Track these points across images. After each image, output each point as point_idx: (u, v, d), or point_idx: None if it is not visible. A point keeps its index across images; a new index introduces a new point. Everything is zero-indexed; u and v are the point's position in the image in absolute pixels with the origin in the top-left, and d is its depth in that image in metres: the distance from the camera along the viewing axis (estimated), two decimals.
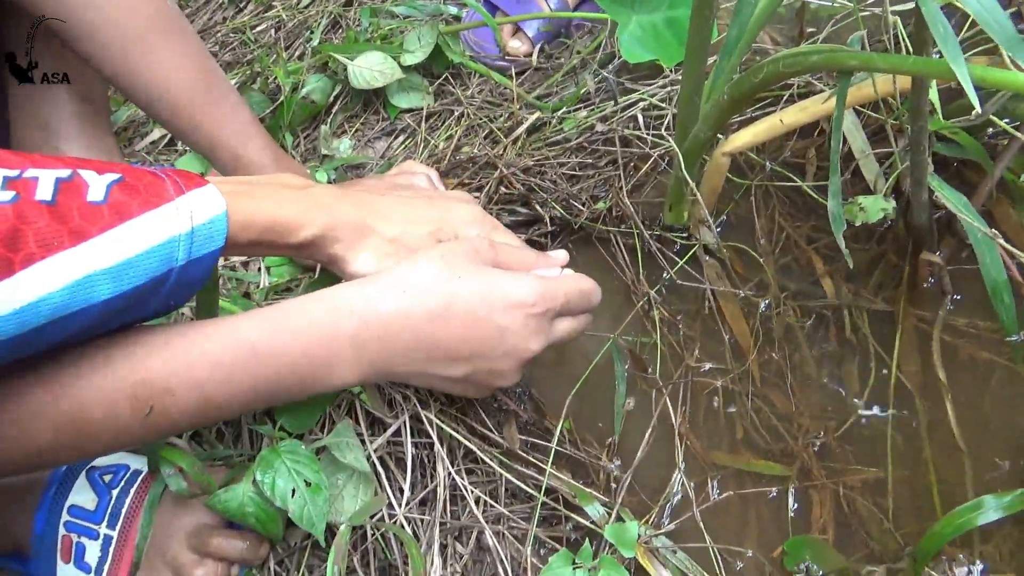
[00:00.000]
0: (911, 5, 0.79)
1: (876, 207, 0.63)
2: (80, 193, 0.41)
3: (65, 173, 0.41)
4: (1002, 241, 0.52)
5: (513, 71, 1.02)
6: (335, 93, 1.04)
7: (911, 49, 0.65)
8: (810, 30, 0.86)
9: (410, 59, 1.01)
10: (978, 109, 0.39)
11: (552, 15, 1.01)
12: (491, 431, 0.70)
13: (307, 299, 0.51)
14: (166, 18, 0.69)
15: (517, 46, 1.01)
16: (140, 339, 0.47)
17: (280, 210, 0.52)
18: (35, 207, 0.39)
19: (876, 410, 0.68)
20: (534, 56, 1.02)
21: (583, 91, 0.96)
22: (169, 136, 1.04)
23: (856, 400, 0.70)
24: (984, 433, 0.65)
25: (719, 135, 0.77)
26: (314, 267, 0.80)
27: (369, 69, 0.99)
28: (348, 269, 0.56)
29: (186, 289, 0.47)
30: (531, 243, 0.85)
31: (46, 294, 0.39)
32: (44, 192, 0.40)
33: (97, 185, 0.42)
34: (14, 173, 0.39)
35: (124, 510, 0.65)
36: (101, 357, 0.46)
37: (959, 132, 0.65)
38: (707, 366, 0.74)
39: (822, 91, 0.79)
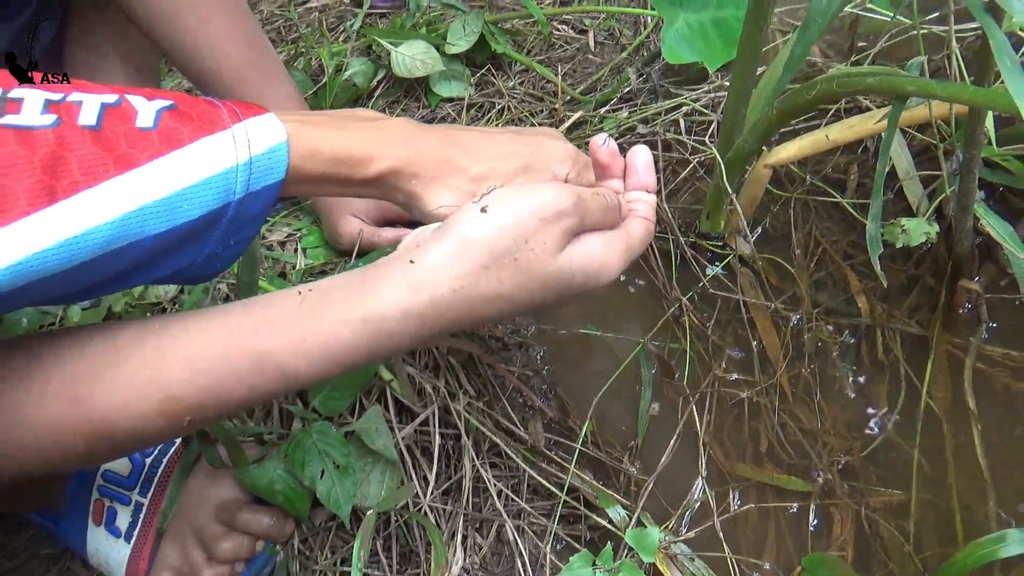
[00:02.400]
0: (972, 24, 0.78)
1: (919, 230, 0.63)
2: (128, 119, 0.38)
3: (112, 98, 0.39)
4: None
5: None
6: (377, 77, 1.04)
7: (964, 71, 0.64)
8: (861, 44, 0.85)
9: (454, 48, 1.01)
10: None
11: None
12: (516, 426, 0.71)
13: (344, 325, 0.43)
14: None
15: None
16: (152, 347, 0.42)
17: (351, 141, 0.47)
18: (78, 132, 0.36)
19: (903, 433, 0.68)
20: None
21: (625, 87, 0.96)
22: None
23: (884, 421, 0.70)
24: (1012, 464, 0.65)
25: (763, 147, 0.77)
26: (351, 252, 0.81)
27: (412, 57, 0.99)
28: (427, 209, 0.49)
29: (245, 227, 0.43)
30: None
31: (93, 227, 0.36)
32: (88, 117, 0.37)
33: (146, 111, 0.39)
34: (56, 97, 0.37)
35: (156, 478, 0.66)
36: (115, 371, 0.41)
37: (1011, 160, 0.65)
38: (735, 376, 0.74)
39: (868, 108, 0.78)
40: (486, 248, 0.43)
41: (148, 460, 0.67)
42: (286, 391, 0.44)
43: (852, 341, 0.74)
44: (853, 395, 0.71)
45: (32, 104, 0.36)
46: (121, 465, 0.67)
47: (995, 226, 0.59)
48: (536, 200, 0.44)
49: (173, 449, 0.67)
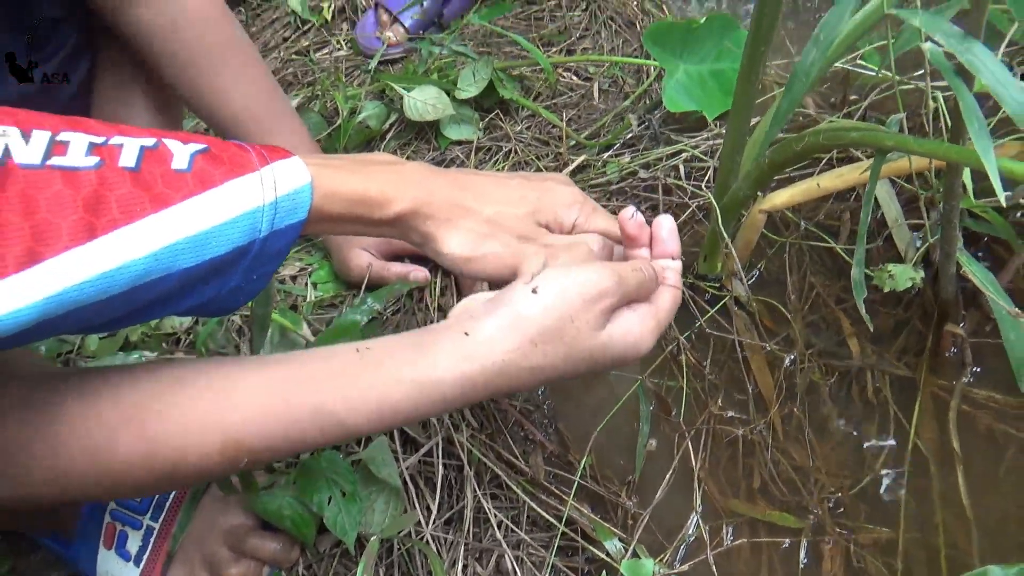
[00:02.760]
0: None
1: (904, 275, 0.66)
2: (164, 161, 0.41)
3: (150, 141, 0.41)
4: None
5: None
6: (390, 120, 1.08)
7: (948, 123, 0.68)
8: (853, 97, 0.89)
9: (463, 94, 1.05)
10: (1002, 199, 0.42)
11: None
12: (517, 459, 0.73)
13: (398, 383, 0.46)
14: (235, 45, 0.75)
15: (391, 35, 1.17)
16: (219, 387, 0.45)
17: (369, 183, 0.50)
18: (119, 173, 0.39)
19: (892, 472, 0.70)
20: (402, 44, 1.18)
21: (627, 133, 1.00)
22: None
23: (873, 460, 0.72)
24: (996, 503, 0.67)
25: (758, 193, 0.80)
26: (359, 285, 0.84)
27: (423, 102, 1.03)
28: (443, 249, 0.52)
29: (267, 263, 0.46)
30: None
31: (129, 261, 0.39)
32: (128, 159, 0.40)
33: (181, 154, 0.42)
34: (100, 140, 0.40)
35: (168, 504, 0.69)
36: (182, 408, 0.44)
37: (989, 211, 0.68)
38: (730, 414, 0.77)
39: (859, 158, 0.82)
40: (535, 326, 0.47)
41: None
42: (337, 441, 0.48)
43: (843, 382, 0.77)
44: (844, 434, 0.74)
45: (77, 146, 0.39)
46: None
47: (977, 273, 0.62)
48: (581, 280, 0.48)
49: None
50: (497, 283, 0.52)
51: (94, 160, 0.39)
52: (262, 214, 0.43)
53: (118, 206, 0.39)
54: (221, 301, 0.46)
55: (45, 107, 0.42)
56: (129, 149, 0.40)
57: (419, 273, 0.84)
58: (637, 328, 0.50)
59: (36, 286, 0.36)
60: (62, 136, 0.39)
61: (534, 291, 0.48)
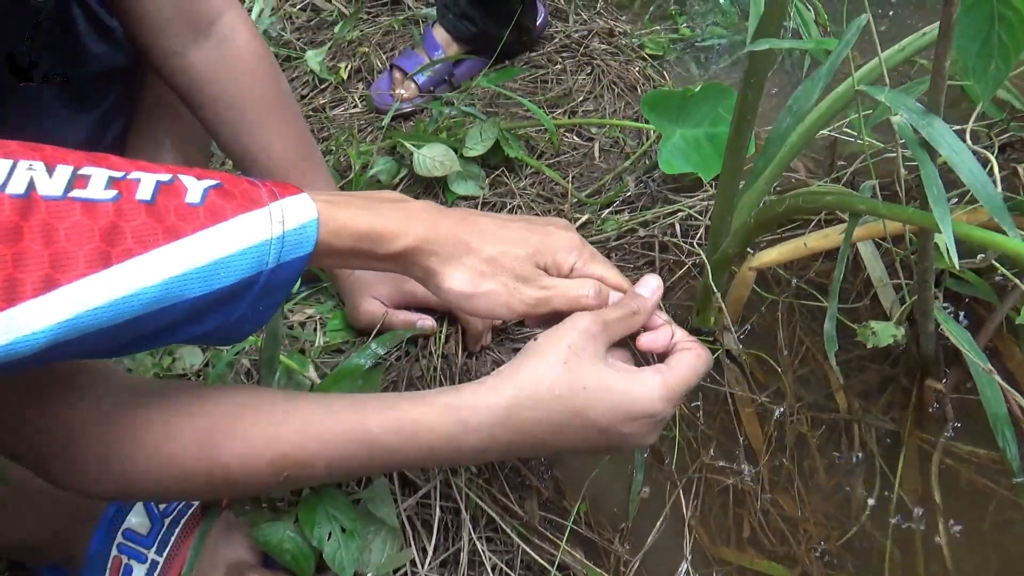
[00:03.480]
0: None
1: (887, 332, 0.69)
2: (179, 195, 0.43)
3: (166, 177, 0.44)
4: (999, 378, 0.57)
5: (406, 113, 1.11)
6: (400, 175, 1.13)
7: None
8: (841, 163, 0.93)
9: (471, 152, 1.11)
10: (955, 264, 0.45)
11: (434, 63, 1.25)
12: (512, 503, 0.75)
13: (431, 406, 0.52)
14: (276, 97, 0.80)
15: (403, 92, 1.24)
16: (275, 412, 0.52)
17: (375, 219, 0.52)
18: (135, 206, 0.41)
19: (877, 523, 0.72)
20: (414, 100, 1.25)
21: (626, 192, 1.05)
22: None
23: (859, 511, 0.73)
24: (978, 555, 0.68)
25: (748, 250, 0.84)
26: (369, 331, 0.87)
27: (432, 159, 1.08)
28: (444, 284, 0.54)
29: (273, 293, 0.47)
30: None
31: (140, 288, 0.40)
32: (144, 192, 0.42)
33: (195, 189, 0.44)
34: (119, 175, 0.42)
35: (173, 539, 0.71)
36: (248, 427, 0.51)
37: (968, 272, 0.71)
38: (721, 464, 0.79)
39: (846, 221, 0.86)
40: (529, 378, 0.52)
41: (167, 520, 0.72)
42: (379, 466, 0.53)
43: (831, 434, 0.79)
44: (831, 485, 0.76)
45: (98, 180, 0.42)
46: (141, 523, 0.71)
47: (954, 332, 0.65)
48: (569, 334, 0.53)
49: (191, 512, 0.72)
50: (493, 319, 0.58)
51: (112, 193, 0.41)
52: (269, 247, 0.45)
53: (132, 236, 0.41)
54: (228, 330, 0.48)
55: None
56: (146, 183, 0.43)
57: (426, 322, 0.87)
58: (639, 385, 0.52)
59: (52, 311, 0.38)
60: (84, 170, 0.42)
61: (535, 339, 0.54)
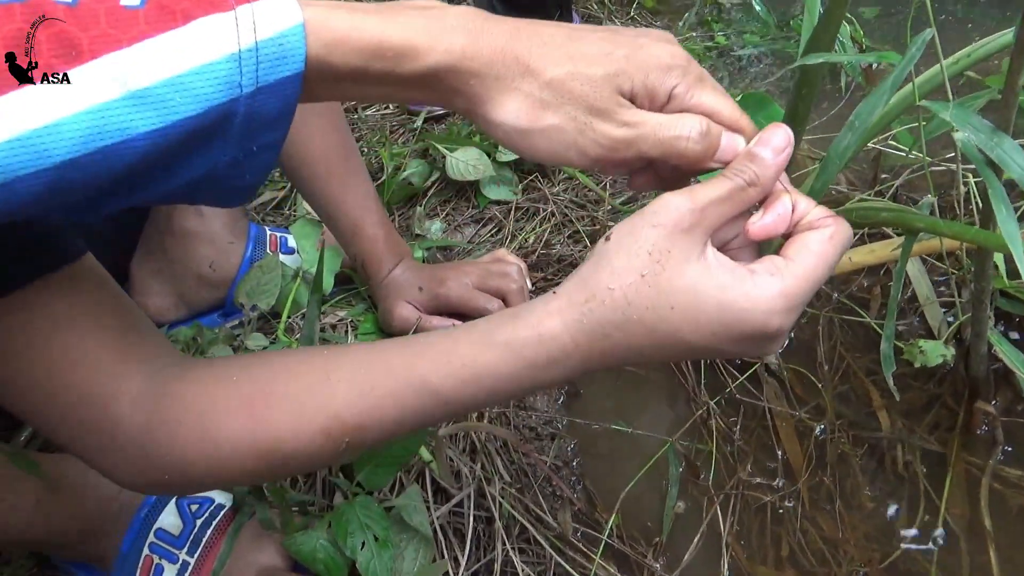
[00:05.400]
0: None
1: (936, 352, 0.67)
2: None
3: None
4: None
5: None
6: (432, 179, 1.13)
7: (980, 208, 0.70)
8: (884, 176, 0.92)
9: (504, 156, 1.10)
10: None
11: None
12: (546, 514, 0.74)
13: (490, 347, 0.43)
14: (350, 152, 0.80)
15: None
16: (320, 369, 0.45)
17: (390, 27, 0.39)
18: (52, 8, 0.32)
19: (921, 547, 0.70)
20: None
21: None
22: (278, 200, 1.15)
23: (902, 534, 0.72)
24: None
25: None
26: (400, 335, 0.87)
27: (465, 162, 1.08)
28: (490, 116, 0.41)
29: (264, 131, 0.37)
30: None
31: (60, 119, 0.32)
32: None
33: None
34: None
35: (204, 540, 0.70)
36: (286, 389, 0.45)
37: (1022, 292, 0.69)
38: (758, 480, 0.77)
39: (890, 235, 0.84)
40: (608, 269, 0.41)
41: (199, 521, 0.71)
42: (436, 417, 0.45)
43: (873, 454, 0.77)
44: (873, 507, 0.74)
45: None
46: (173, 524, 0.71)
47: (1008, 353, 0.63)
48: (648, 234, 0.40)
49: (223, 513, 0.72)
50: (553, 166, 0.48)
51: None
52: (239, 63, 0.35)
53: (49, 49, 0.32)
54: (222, 179, 0.39)
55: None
56: None
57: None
58: (747, 296, 0.39)
59: None
60: None
61: (607, 239, 0.42)
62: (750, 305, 0.38)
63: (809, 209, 0.42)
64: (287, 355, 0.47)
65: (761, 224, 0.41)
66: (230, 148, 0.37)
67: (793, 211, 0.41)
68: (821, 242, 0.40)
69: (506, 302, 0.88)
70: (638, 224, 0.40)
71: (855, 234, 0.89)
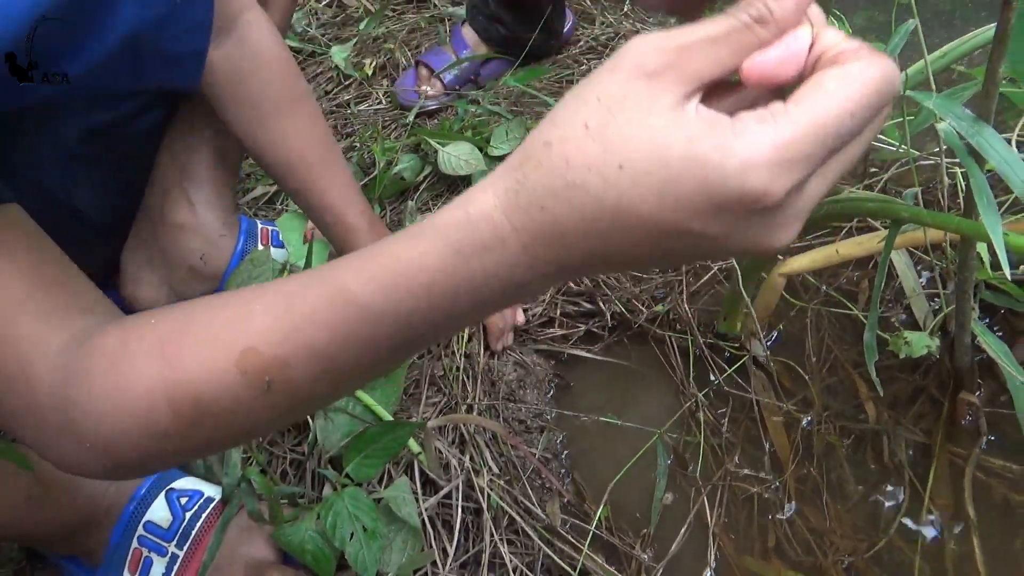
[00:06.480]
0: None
1: (921, 343, 0.68)
2: None
3: None
4: None
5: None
6: (424, 173, 1.13)
7: (963, 196, 0.70)
8: (873, 170, 0.92)
9: (496, 151, 1.10)
10: (1007, 273, 0.44)
11: (460, 61, 1.23)
12: (534, 505, 0.74)
13: (418, 233, 0.34)
14: (296, 93, 0.80)
15: (427, 88, 1.23)
16: (238, 302, 0.38)
17: None
18: None
19: (906, 536, 0.71)
20: (439, 97, 1.23)
21: None
22: (269, 195, 1.14)
23: (888, 524, 0.72)
24: (1011, 572, 0.67)
25: (778, 256, 0.83)
26: None
27: (457, 157, 1.08)
28: None
29: None
30: (590, 335, 0.91)
31: None
32: None
33: None
34: None
35: (194, 533, 0.70)
36: (202, 325, 0.38)
37: (1006, 283, 0.70)
38: (745, 472, 0.78)
39: (877, 228, 0.84)
40: (551, 124, 0.31)
41: (188, 514, 0.71)
42: (383, 341, 0.35)
43: (859, 445, 0.78)
44: (859, 497, 0.74)
45: None
46: (162, 517, 0.71)
47: (991, 344, 0.64)
48: (602, 79, 0.30)
49: (212, 506, 0.72)
50: None
51: None
52: None
53: None
54: (156, 40, 0.37)
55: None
56: None
57: None
58: (724, 148, 0.27)
59: None
60: None
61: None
62: (720, 157, 0.27)
63: (838, 43, 0.30)
64: (215, 295, 0.40)
65: (759, 61, 0.29)
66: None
67: (812, 46, 0.30)
68: (842, 79, 0.28)
69: None
70: (596, 72, 0.31)
71: (842, 227, 0.89)
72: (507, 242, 0.31)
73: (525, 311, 0.91)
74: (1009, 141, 0.49)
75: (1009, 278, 0.46)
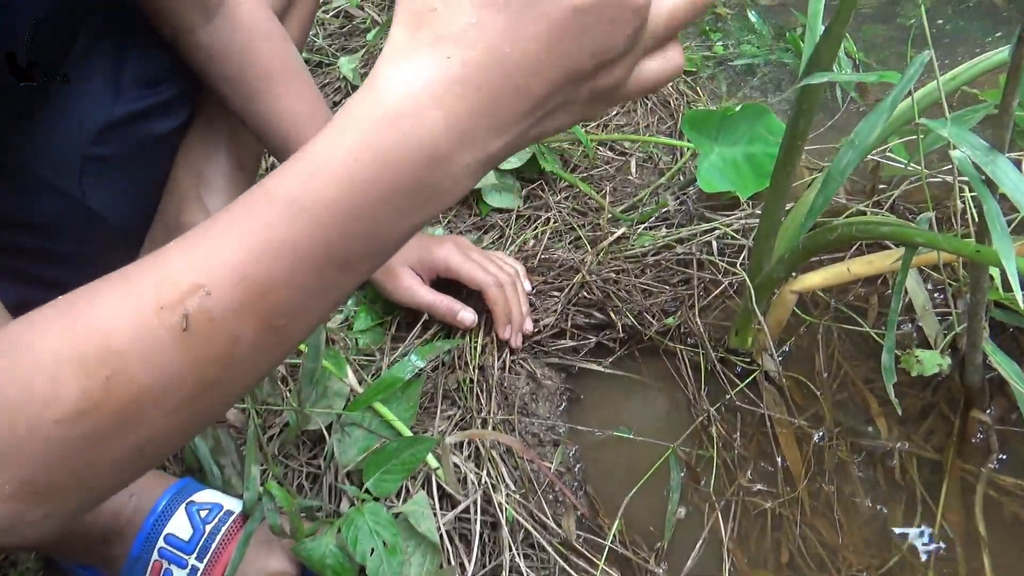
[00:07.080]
0: None
1: (932, 361, 0.69)
2: None
3: None
4: None
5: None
6: None
7: (974, 217, 0.71)
8: (881, 187, 0.93)
9: (506, 164, 1.11)
10: (1020, 299, 0.45)
11: None
12: (549, 519, 0.75)
13: (335, 118, 0.33)
14: (290, 65, 0.81)
15: None
16: (154, 254, 0.34)
17: None
18: None
19: (918, 553, 0.72)
20: None
21: (663, 210, 1.05)
22: None
23: (900, 540, 0.73)
24: None
25: (791, 274, 0.84)
26: (399, 306, 0.88)
27: None
28: None
29: None
30: (600, 347, 0.92)
31: None
32: None
33: None
34: None
35: (214, 545, 0.71)
36: (114, 279, 0.34)
37: (1017, 304, 0.71)
38: (758, 487, 0.79)
39: (888, 246, 0.85)
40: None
41: (208, 527, 0.72)
42: (291, 238, 0.32)
43: (871, 461, 0.78)
44: (871, 513, 0.75)
45: None
46: (183, 529, 0.72)
47: (1003, 363, 0.65)
48: None
49: (232, 519, 0.72)
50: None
51: None
52: None
53: None
54: None
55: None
56: None
57: (467, 315, 0.88)
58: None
59: None
60: None
61: None
62: None
63: None
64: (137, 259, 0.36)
65: None
66: None
67: None
68: None
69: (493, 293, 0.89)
70: None
71: (852, 245, 0.90)
72: (420, 101, 0.31)
73: (535, 321, 0.92)
74: (1019, 163, 0.50)
75: (1022, 303, 0.47)
